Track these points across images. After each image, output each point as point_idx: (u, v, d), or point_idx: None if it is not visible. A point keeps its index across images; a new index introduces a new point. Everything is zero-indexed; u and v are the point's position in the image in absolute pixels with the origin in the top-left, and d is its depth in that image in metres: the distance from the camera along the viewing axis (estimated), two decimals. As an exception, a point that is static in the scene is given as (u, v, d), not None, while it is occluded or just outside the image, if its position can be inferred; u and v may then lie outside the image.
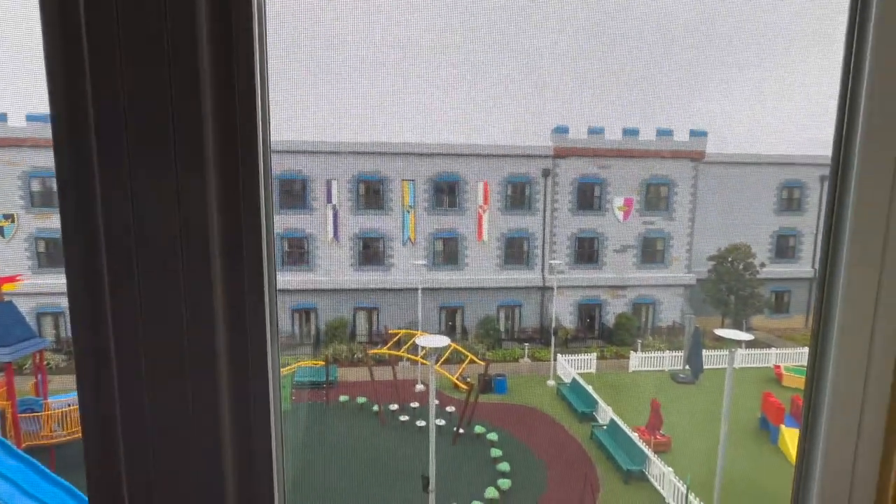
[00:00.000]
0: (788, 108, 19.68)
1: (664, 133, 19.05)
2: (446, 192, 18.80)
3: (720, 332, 9.78)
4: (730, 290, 18.30)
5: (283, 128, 15.84)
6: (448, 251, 18.98)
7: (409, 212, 18.63)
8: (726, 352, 9.63)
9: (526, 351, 17.49)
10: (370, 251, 18.70)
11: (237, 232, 0.73)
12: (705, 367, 14.87)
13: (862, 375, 0.93)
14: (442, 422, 12.31)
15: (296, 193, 18.14)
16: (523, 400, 14.50)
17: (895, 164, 0.88)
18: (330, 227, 18.34)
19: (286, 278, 17.92)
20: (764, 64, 19.43)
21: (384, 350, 14.92)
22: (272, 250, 0.79)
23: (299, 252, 18.44)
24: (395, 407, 13.30)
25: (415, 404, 13.54)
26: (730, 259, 18.43)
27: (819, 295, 0.99)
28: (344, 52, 15.55)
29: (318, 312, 18.34)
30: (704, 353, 14.87)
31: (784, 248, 20.18)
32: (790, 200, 20.04)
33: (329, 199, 18.23)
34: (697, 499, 9.39)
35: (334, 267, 18.45)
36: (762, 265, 18.54)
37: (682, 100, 19.56)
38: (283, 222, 17.97)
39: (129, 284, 0.71)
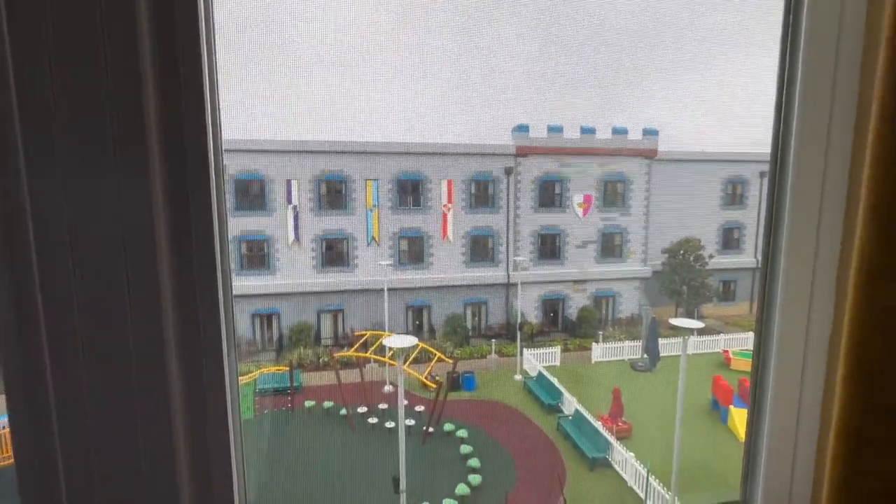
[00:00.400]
0: (732, 108, 20.96)
1: (619, 132, 19.81)
2: (410, 192, 18.70)
3: (674, 321, 10.31)
4: (682, 281, 19.33)
5: (240, 126, 15.22)
6: (413, 250, 18.89)
7: (372, 211, 18.40)
8: (680, 339, 10.16)
9: (493, 347, 17.71)
10: (334, 252, 18.31)
11: (187, 234, 0.68)
12: (662, 354, 15.65)
13: (801, 356, 1.00)
14: (411, 422, 12.26)
15: (254, 194, 17.48)
16: (492, 395, 14.69)
17: (825, 162, 0.95)
18: (291, 229, 17.81)
19: (246, 283, 17.23)
20: (710, 66, 20.61)
21: (350, 353, 14.67)
22: (226, 254, 0.75)
23: (259, 255, 17.80)
24: (363, 409, 13.12)
25: (383, 406, 13.41)
26: (682, 252, 19.45)
27: (762, 283, 1.06)
28: (302, 47, 15.12)
29: (281, 317, 17.78)
30: (660, 341, 15.64)
31: (729, 240, 21.53)
32: (734, 195, 21.39)
33: (289, 200, 17.69)
34: (657, 480, 9.86)
35: (297, 269, 17.94)
36: (711, 256, 19.69)
37: (635, 99, 20.43)
38: (242, 224, 17.28)
39: (64, 293, 0.65)
